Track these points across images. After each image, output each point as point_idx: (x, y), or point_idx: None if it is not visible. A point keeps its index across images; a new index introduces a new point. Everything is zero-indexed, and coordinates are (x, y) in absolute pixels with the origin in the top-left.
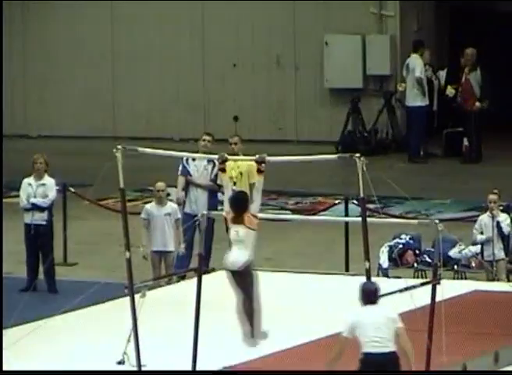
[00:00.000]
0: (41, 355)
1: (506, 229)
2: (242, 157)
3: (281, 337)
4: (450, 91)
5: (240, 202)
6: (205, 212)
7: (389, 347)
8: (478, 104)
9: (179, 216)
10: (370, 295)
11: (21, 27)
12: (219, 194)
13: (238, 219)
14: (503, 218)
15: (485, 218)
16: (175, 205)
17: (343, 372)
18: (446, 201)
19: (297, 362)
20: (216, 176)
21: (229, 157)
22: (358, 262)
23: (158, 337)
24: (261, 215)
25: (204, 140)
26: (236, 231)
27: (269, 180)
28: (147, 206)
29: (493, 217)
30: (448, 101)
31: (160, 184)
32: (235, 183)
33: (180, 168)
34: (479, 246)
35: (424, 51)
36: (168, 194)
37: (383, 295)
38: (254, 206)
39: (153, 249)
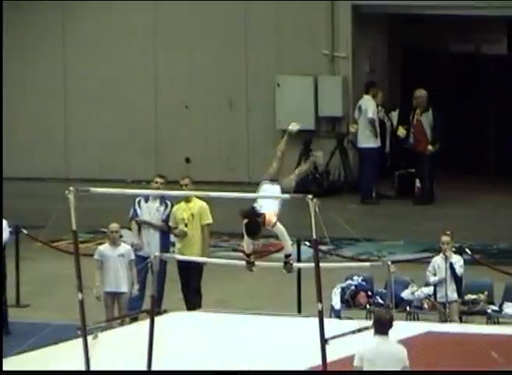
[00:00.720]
0: None
1: (459, 270)
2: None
3: None
4: (402, 131)
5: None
6: (158, 254)
7: None
8: (430, 147)
9: (133, 257)
10: (383, 324)
11: None
12: (171, 236)
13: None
14: (456, 259)
15: (438, 259)
16: (128, 247)
17: (343, 372)
18: (398, 242)
19: None
20: (168, 216)
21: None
22: (311, 303)
23: None
24: (212, 260)
25: (156, 182)
26: None
27: (221, 222)
28: (101, 247)
29: (446, 258)
30: (400, 142)
31: (113, 226)
32: (186, 225)
33: (131, 211)
34: (432, 287)
35: (378, 92)
36: (121, 236)
37: (335, 337)
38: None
39: (106, 290)
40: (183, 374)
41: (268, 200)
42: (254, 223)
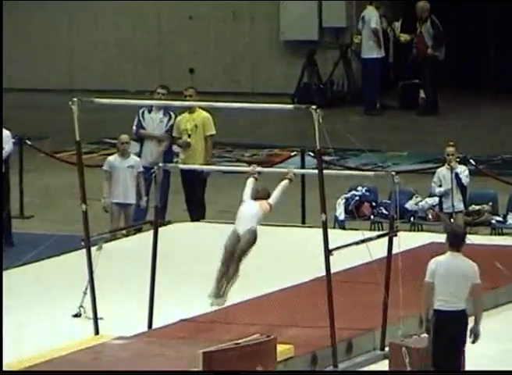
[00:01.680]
0: None
1: (465, 180)
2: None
3: (237, 288)
4: (405, 37)
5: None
6: (161, 165)
7: (461, 305)
8: (429, 50)
9: (142, 168)
10: (457, 239)
11: None
12: (174, 147)
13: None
14: (461, 169)
15: (443, 170)
16: (137, 158)
17: (344, 372)
18: (402, 153)
19: (251, 315)
20: (171, 127)
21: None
22: (315, 214)
23: (115, 289)
24: (216, 167)
25: (158, 93)
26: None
27: (225, 132)
28: (110, 158)
29: (452, 169)
30: (403, 50)
31: (124, 137)
32: (189, 136)
33: (135, 121)
34: (436, 198)
35: (380, 3)
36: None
37: (339, 248)
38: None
39: (114, 201)
40: (183, 374)
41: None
42: None
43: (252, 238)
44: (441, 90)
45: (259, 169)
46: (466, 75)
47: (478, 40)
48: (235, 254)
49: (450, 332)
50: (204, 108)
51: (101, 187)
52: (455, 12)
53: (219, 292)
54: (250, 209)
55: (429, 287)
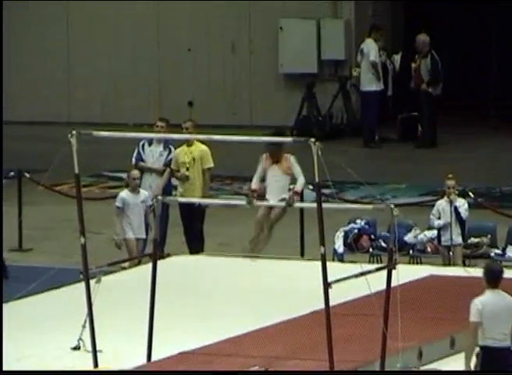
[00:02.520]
0: None
1: (464, 214)
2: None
3: (237, 321)
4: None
5: None
6: (160, 198)
7: (509, 342)
8: (424, 86)
9: (150, 202)
10: (496, 277)
11: None
12: (173, 180)
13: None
14: (460, 203)
15: (442, 203)
16: (146, 193)
17: (344, 372)
18: (401, 185)
19: (251, 347)
20: (170, 161)
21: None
22: (313, 247)
23: (114, 322)
24: (216, 201)
25: (157, 126)
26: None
27: (224, 165)
28: (122, 195)
29: (451, 202)
30: (407, 79)
31: (135, 172)
32: (187, 169)
33: (135, 154)
34: (435, 231)
35: (380, 36)
36: (123, 180)
37: (338, 280)
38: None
39: (132, 236)
40: (183, 374)
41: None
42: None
43: (284, 208)
44: (440, 120)
45: (258, 203)
46: (466, 106)
47: (478, 70)
48: (268, 223)
49: (499, 368)
50: (202, 141)
51: (99, 219)
52: (456, 43)
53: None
54: (278, 182)
55: (476, 327)
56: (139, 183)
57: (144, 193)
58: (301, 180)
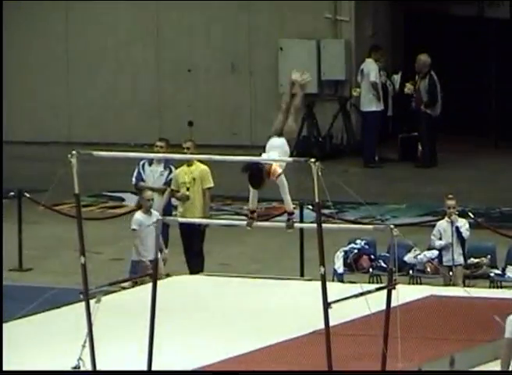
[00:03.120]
0: None
1: (465, 234)
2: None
3: (237, 341)
4: (409, 87)
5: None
6: (160, 218)
7: None
8: (422, 107)
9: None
10: None
11: None
12: (173, 200)
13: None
14: (461, 223)
15: (443, 223)
16: (157, 213)
17: (344, 372)
18: (401, 206)
19: (250, 368)
20: (171, 181)
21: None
22: (313, 267)
23: (114, 342)
24: (216, 221)
25: (156, 146)
26: None
27: (224, 185)
28: (138, 216)
29: (452, 223)
30: (407, 99)
31: (149, 194)
32: (188, 189)
33: (135, 174)
34: (435, 251)
35: (380, 56)
36: (123, 199)
37: (338, 301)
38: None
39: (149, 258)
40: (183, 374)
41: (275, 152)
42: (257, 176)
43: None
44: (440, 140)
45: (258, 224)
46: (466, 125)
47: (478, 89)
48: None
49: None
50: (202, 161)
51: (99, 239)
52: (455, 62)
53: None
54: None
55: (511, 343)
56: (152, 204)
57: (155, 214)
58: (287, 199)
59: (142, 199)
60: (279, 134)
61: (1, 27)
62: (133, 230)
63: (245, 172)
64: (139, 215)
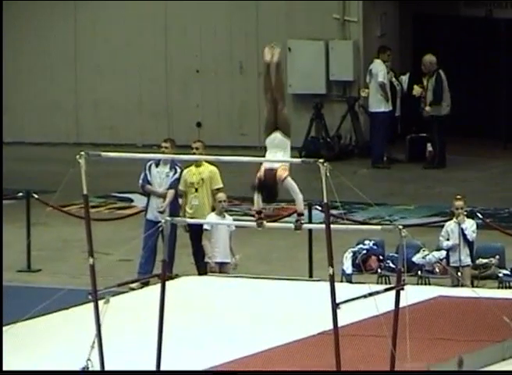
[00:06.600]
0: (5, 361)
1: (471, 236)
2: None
3: (245, 342)
4: (417, 90)
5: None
6: (169, 219)
7: None
8: (427, 108)
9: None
10: None
11: None
12: (180, 200)
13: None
14: (469, 224)
15: (451, 224)
16: (230, 217)
17: (344, 372)
18: (409, 206)
19: (261, 368)
20: (178, 181)
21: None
22: (322, 267)
23: (123, 342)
24: (225, 222)
25: (162, 146)
26: None
27: (233, 186)
28: (211, 218)
29: (459, 223)
30: (416, 100)
31: (220, 195)
32: (196, 190)
33: (142, 175)
34: (443, 252)
35: (389, 57)
36: (132, 200)
37: (347, 301)
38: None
39: (217, 260)
40: (182, 374)
41: (279, 154)
42: (269, 191)
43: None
44: (449, 141)
45: (267, 224)
46: (475, 126)
47: (487, 91)
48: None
49: None
50: (210, 162)
51: (107, 240)
52: (463, 64)
53: None
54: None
55: None
56: (225, 206)
57: (228, 217)
58: (298, 199)
59: (215, 201)
60: (275, 129)
61: (1, 27)
62: (205, 229)
63: (256, 190)
64: (212, 217)
